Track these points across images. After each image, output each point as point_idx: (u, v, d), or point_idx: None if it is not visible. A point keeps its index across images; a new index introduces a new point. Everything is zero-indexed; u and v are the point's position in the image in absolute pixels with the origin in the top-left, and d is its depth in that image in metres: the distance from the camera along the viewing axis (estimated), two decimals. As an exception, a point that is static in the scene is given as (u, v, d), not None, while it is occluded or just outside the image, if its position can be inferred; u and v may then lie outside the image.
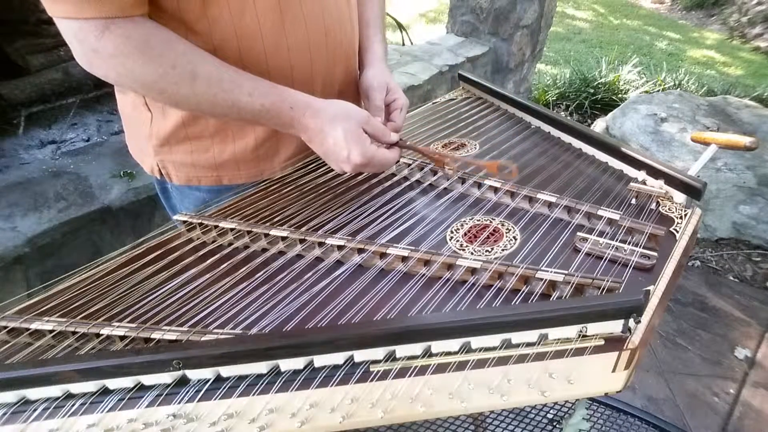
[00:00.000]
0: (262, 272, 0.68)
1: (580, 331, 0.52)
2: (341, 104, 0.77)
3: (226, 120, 0.82)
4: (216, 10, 0.72)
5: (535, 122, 1.06)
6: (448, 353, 0.53)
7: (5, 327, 0.62)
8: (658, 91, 3.48)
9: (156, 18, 0.70)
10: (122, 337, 0.60)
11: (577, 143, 0.98)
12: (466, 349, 0.53)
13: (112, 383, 0.54)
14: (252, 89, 0.72)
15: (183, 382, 0.54)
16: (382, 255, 0.69)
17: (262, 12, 0.75)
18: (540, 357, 0.51)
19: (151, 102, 0.83)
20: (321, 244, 0.71)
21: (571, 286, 0.60)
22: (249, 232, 0.75)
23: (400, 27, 3.41)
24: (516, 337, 0.53)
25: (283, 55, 0.79)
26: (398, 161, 0.87)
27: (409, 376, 0.52)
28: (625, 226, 0.71)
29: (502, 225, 0.75)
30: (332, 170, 0.89)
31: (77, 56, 0.68)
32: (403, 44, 3.36)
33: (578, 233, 0.70)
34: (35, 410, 0.53)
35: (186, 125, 0.84)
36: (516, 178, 0.85)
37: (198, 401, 0.52)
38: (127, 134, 0.95)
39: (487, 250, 0.69)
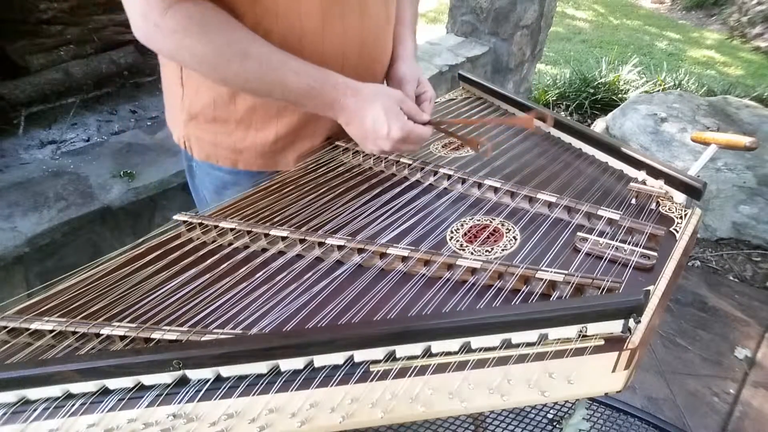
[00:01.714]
0: (262, 272, 0.68)
1: (580, 331, 0.52)
2: (377, 85, 0.83)
3: (269, 100, 0.85)
4: (263, 8, 0.77)
5: (535, 122, 1.06)
6: (448, 353, 0.53)
7: (5, 327, 0.62)
8: (658, 91, 3.48)
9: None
10: (122, 337, 0.60)
11: (577, 143, 0.98)
12: (466, 349, 0.53)
13: (112, 383, 0.54)
14: (299, 69, 0.77)
15: (183, 382, 0.54)
16: (382, 255, 0.69)
17: (306, 15, 0.79)
18: (540, 357, 0.51)
19: (187, 80, 0.88)
20: (321, 244, 0.71)
21: (571, 286, 0.60)
22: (249, 232, 0.75)
23: (400, 27, 3.41)
24: (516, 337, 0.53)
25: (317, 60, 0.82)
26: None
27: (409, 376, 0.52)
28: (625, 226, 0.71)
29: (502, 225, 0.75)
30: (332, 170, 0.89)
31: (137, 30, 0.73)
32: (403, 44, 3.36)
33: (578, 233, 0.70)
34: (35, 410, 0.53)
35: (215, 107, 0.88)
36: (517, 178, 0.85)
37: (198, 401, 0.52)
38: (165, 103, 1.01)
39: (487, 250, 0.69)
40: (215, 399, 0.52)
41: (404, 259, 0.68)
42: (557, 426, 1.21)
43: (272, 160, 0.93)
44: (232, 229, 0.76)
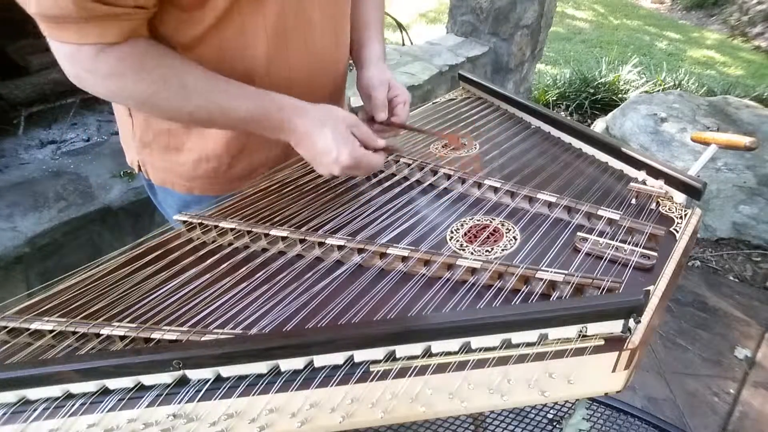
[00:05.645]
0: (262, 272, 0.68)
1: (580, 331, 0.52)
2: (329, 107, 0.77)
3: (219, 129, 0.83)
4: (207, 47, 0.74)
5: (535, 122, 1.06)
6: (448, 353, 0.53)
7: (5, 327, 0.62)
8: (658, 91, 3.48)
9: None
10: (122, 337, 0.60)
11: (577, 143, 0.98)
12: (466, 349, 0.53)
13: (112, 383, 0.54)
14: (240, 94, 0.73)
15: (183, 382, 0.54)
16: (382, 255, 0.69)
17: (251, 52, 0.76)
18: (540, 357, 0.51)
19: (135, 111, 0.86)
20: (321, 244, 0.71)
21: (571, 286, 0.60)
22: (249, 232, 0.75)
23: (400, 27, 3.41)
24: (516, 337, 0.53)
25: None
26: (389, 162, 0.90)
27: (409, 376, 0.52)
28: (625, 226, 0.71)
29: (502, 225, 0.75)
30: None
31: (67, 73, 0.69)
32: (403, 44, 3.36)
33: (578, 233, 0.70)
34: (35, 410, 0.53)
35: (169, 136, 0.86)
36: (517, 178, 0.85)
37: (198, 401, 0.52)
38: (118, 125, 0.97)
39: (487, 250, 0.69)
40: (215, 399, 0.52)
41: (404, 259, 0.68)
42: (557, 426, 1.21)
43: (228, 186, 0.89)
44: (232, 229, 0.76)
